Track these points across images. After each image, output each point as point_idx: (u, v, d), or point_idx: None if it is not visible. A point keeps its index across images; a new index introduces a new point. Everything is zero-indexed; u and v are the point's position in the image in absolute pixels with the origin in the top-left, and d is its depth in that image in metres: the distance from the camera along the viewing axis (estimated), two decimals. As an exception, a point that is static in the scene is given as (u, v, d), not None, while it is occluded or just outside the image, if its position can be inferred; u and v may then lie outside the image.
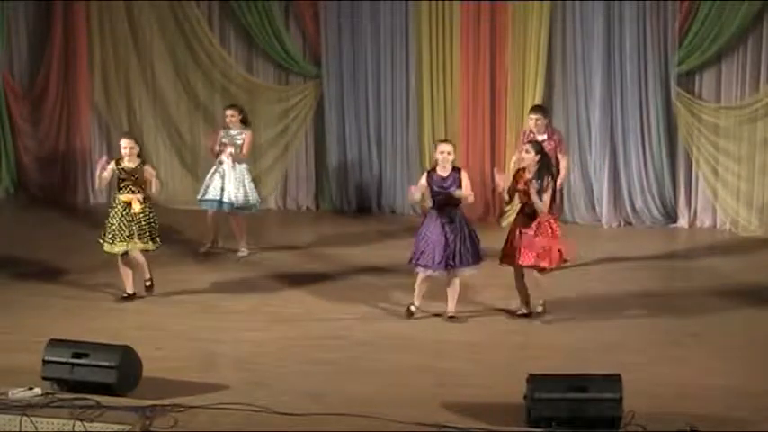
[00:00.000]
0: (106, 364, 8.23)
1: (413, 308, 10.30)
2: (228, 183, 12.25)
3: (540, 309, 10.23)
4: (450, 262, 10.02)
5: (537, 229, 10.01)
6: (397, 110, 14.60)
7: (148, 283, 10.93)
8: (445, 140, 10.53)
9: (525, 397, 7.74)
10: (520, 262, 10.02)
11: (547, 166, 10.09)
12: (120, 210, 10.75)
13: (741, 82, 13.47)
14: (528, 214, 10.04)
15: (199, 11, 14.90)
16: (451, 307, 10.21)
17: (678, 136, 13.78)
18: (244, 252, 12.47)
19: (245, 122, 12.46)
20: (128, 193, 10.73)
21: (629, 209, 13.98)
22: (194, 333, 9.91)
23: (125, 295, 10.79)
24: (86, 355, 8.29)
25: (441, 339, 9.74)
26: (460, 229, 10.05)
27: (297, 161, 15.11)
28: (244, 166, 12.40)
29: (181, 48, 15.06)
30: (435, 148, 10.37)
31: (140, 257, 10.81)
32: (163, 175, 15.20)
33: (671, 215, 13.97)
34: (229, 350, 9.54)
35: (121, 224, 10.71)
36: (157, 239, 10.82)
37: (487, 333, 9.91)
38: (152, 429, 7.58)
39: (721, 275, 11.67)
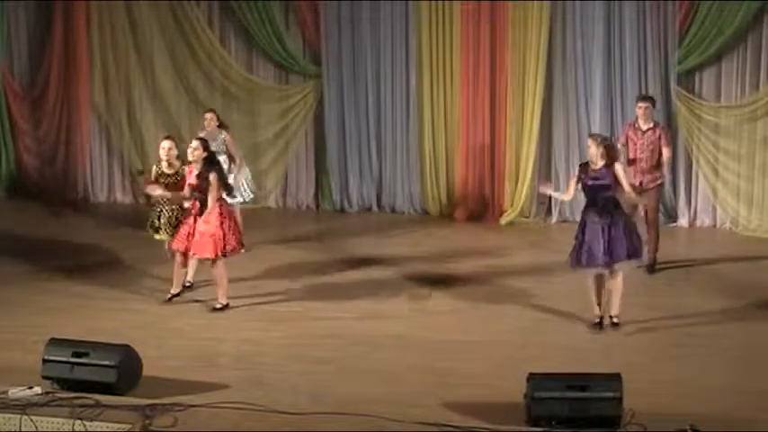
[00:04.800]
0: (106, 363, 8.24)
1: (596, 319, 9.90)
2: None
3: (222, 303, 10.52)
4: (610, 256, 9.71)
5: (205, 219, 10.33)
6: (397, 110, 14.59)
7: (188, 284, 11.06)
8: (591, 135, 10.21)
9: (525, 396, 7.74)
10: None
11: (211, 161, 10.34)
12: (169, 207, 10.96)
13: (741, 81, 13.48)
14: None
15: (199, 11, 14.91)
16: (614, 310, 9.88)
17: (678, 135, 13.78)
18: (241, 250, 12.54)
19: (221, 126, 12.54)
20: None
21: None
22: (194, 332, 9.92)
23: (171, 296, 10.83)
24: (86, 355, 8.31)
25: (440, 339, 9.73)
26: (616, 222, 9.73)
27: (297, 160, 15.11)
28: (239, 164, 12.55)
29: (181, 48, 15.06)
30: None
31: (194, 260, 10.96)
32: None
33: (671, 214, 13.97)
34: (229, 349, 9.55)
35: (170, 219, 10.97)
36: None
37: (487, 333, 9.91)
38: (152, 428, 7.59)
39: (721, 275, 11.67)
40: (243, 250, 10.97)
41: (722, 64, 13.57)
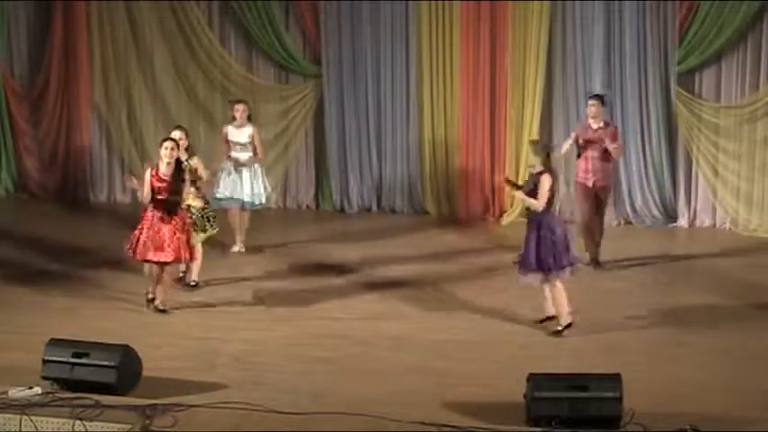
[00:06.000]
0: (106, 363, 8.24)
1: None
2: (246, 181, 12.31)
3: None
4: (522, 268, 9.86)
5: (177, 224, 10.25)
6: (397, 110, 14.59)
7: (193, 282, 11.10)
8: (531, 141, 10.32)
9: (525, 396, 7.75)
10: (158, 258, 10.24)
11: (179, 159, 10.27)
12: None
13: (741, 81, 13.48)
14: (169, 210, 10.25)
15: (199, 11, 14.90)
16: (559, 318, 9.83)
17: (678, 135, 13.79)
18: (240, 248, 12.52)
19: (249, 118, 12.50)
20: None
21: (628, 208, 13.98)
22: (194, 332, 9.92)
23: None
24: (86, 355, 8.31)
25: (440, 339, 9.73)
26: (537, 234, 9.73)
27: (297, 160, 15.11)
28: (256, 164, 12.46)
29: (181, 48, 15.04)
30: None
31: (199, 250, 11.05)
32: (163, 175, 15.23)
33: (671, 214, 13.97)
34: (229, 349, 9.53)
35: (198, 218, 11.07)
36: (206, 229, 11.17)
37: (487, 333, 9.91)
38: (152, 428, 7.60)
39: (721, 274, 11.67)
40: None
41: (722, 64, 13.57)
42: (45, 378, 8.35)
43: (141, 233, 10.27)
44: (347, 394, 8.30)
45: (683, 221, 13.90)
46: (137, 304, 10.64)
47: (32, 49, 15.62)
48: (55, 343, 8.47)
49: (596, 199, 11.85)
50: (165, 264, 10.28)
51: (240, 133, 12.37)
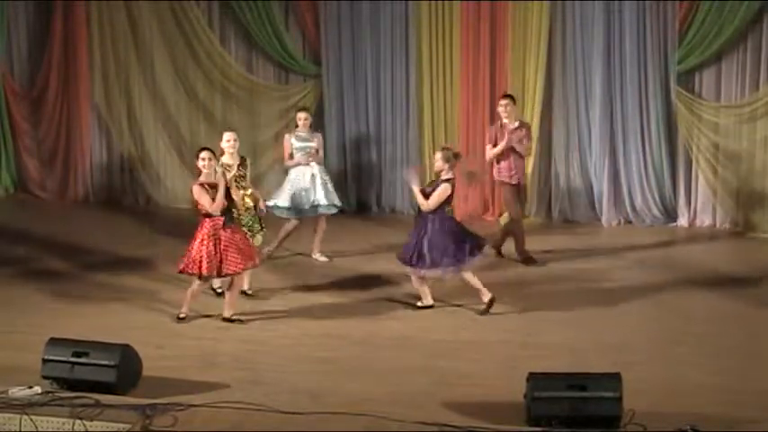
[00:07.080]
0: (106, 362, 8.24)
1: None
2: (318, 188, 12.09)
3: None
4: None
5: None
6: (397, 110, 14.60)
7: (220, 290, 10.81)
8: (442, 148, 10.62)
9: (525, 396, 7.74)
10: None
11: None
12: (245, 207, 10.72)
13: (741, 81, 13.48)
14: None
15: (199, 10, 14.91)
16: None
17: (678, 135, 13.79)
18: (324, 258, 12.37)
19: (311, 126, 12.32)
20: (238, 188, 10.61)
21: (628, 208, 13.99)
22: (194, 332, 9.91)
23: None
24: (86, 354, 8.30)
25: (440, 339, 9.73)
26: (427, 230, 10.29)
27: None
28: (322, 167, 12.31)
29: (181, 47, 15.06)
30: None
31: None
32: (163, 175, 15.25)
33: (671, 214, 13.97)
34: (229, 349, 9.54)
35: (252, 219, 10.83)
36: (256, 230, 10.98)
37: (487, 333, 9.91)
38: (152, 428, 7.59)
39: (721, 274, 11.67)
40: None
41: (722, 64, 13.57)
42: (45, 377, 8.35)
43: (204, 248, 9.87)
44: (347, 394, 8.30)
45: (683, 221, 13.90)
46: (137, 304, 10.65)
47: (32, 49, 15.64)
48: (55, 342, 8.47)
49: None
50: (241, 271, 10.10)
51: (307, 141, 12.11)
